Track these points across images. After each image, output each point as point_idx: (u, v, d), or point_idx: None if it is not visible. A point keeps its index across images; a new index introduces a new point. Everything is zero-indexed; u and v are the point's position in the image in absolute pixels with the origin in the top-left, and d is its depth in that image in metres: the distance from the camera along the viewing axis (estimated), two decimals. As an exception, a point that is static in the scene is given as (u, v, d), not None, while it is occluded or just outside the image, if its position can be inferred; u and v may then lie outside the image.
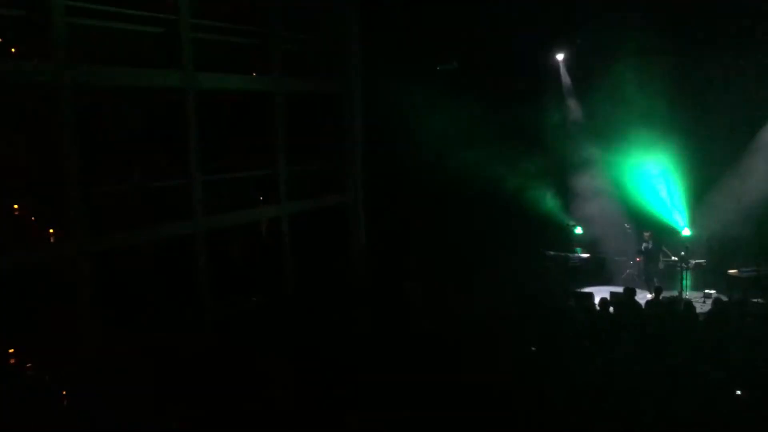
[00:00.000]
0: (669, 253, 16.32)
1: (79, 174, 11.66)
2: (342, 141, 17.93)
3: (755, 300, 13.40)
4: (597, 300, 13.11)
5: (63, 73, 11.36)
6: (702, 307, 13.81)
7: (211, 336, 13.05)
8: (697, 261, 15.90)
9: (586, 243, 18.16)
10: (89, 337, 11.71)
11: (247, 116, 15.67)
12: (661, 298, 13.23)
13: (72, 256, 11.60)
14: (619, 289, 13.62)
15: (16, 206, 11.18)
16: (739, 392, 8.50)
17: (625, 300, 12.40)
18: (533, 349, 10.33)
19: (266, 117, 15.67)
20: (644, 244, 16.53)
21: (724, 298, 14.52)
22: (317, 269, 16.38)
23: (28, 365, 10.84)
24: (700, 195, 16.79)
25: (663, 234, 16.80)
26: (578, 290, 15.47)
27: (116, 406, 9.08)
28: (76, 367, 10.95)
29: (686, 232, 16.68)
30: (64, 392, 10.18)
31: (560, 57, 18.29)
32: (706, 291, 15.70)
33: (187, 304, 13.63)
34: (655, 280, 16.14)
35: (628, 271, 17.35)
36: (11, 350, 10.87)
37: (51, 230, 11.60)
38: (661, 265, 16.47)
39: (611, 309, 12.20)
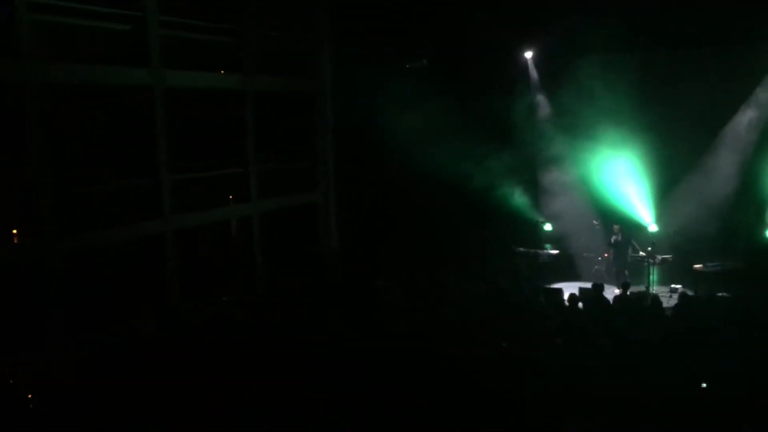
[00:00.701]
0: (638, 246, 16.60)
1: (47, 173, 11.48)
2: (313, 139, 17.89)
3: (720, 294, 13.67)
4: (566, 296, 13.31)
5: (29, 71, 11.16)
6: (668, 301, 14.07)
7: (180, 336, 12.93)
8: (663, 256, 16.19)
9: (555, 239, 18.38)
10: (57, 338, 11.56)
11: (218, 114, 15.55)
12: (628, 293, 13.46)
13: (40, 257, 11.43)
14: (588, 285, 13.83)
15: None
16: (704, 384, 8.67)
17: (594, 295, 12.59)
18: (504, 345, 10.43)
19: (237, 115, 15.57)
20: (613, 237, 16.84)
21: (690, 293, 14.82)
22: (289, 268, 16.33)
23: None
24: (666, 191, 17.09)
25: (630, 230, 17.10)
26: (548, 286, 15.66)
27: (81, 410, 8.96)
28: (43, 369, 10.78)
29: (653, 228, 16.96)
30: (30, 396, 10.00)
31: (529, 55, 18.44)
32: (673, 286, 16.02)
33: (156, 304, 13.50)
34: (626, 272, 16.43)
35: (596, 267, 17.61)
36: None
37: (15, 231, 11.41)
38: (628, 260, 16.77)
39: (580, 304, 12.38)
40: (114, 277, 13.08)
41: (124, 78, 13.00)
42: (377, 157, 18.16)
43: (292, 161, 17.41)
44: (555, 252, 18.09)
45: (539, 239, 18.44)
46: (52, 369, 10.97)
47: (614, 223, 16.99)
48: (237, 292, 15.30)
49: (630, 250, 16.76)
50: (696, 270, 15.81)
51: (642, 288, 15.75)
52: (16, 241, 11.39)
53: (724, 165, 16.51)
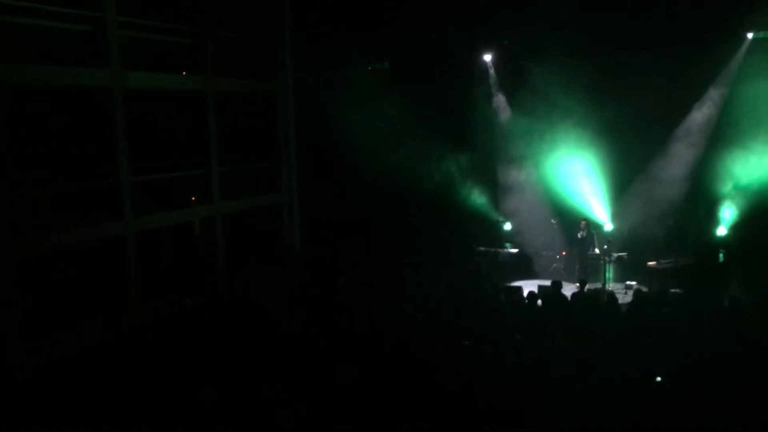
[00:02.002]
0: (596, 243, 17.04)
1: (2, 176, 11.28)
2: (276, 140, 17.88)
3: (673, 290, 14.09)
4: (525, 293, 13.59)
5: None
6: (624, 297, 14.46)
7: (141, 339, 12.83)
8: (618, 254, 16.62)
9: (515, 238, 18.70)
10: (12, 344, 11.36)
11: (180, 116, 15.46)
12: (585, 290, 13.80)
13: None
14: (547, 283, 14.12)
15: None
16: (658, 378, 8.96)
17: (552, 293, 12.86)
18: (466, 343, 10.59)
19: (199, 117, 15.50)
20: (580, 233, 17.22)
21: (644, 289, 15.24)
22: (252, 269, 16.29)
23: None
24: (621, 190, 17.55)
25: (596, 229, 17.53)
26: (508, 285, 15.95)
27: (37, 417, 8.86)
28: None
29: (608, 226, 17.41)
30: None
31: (488, 57, 18.72)
32: (628, 282, 16.44)
33: (116, 308, 13.37)
34: (586, 268, 16.82)
35: (555, 265, 17.98)
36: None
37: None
38: (590, 254, 17.18)
39: (539, 302, 12.65)
40: (72, 280, 12.90)
41: (82, 79, 12.81)
42: (339, 158, 18.25)
43: (254, 162, 17.37)
44: (514, 251, 18.41)
45: (499, 238, 18.76)
46: (6, 375, 10.79)
47: (581, 220, 17.39)
48: (199, 294, 15.22)
49: (594, 245, 17.21)
50: (649, 267, 16.27)
51: (598, 285, 16.14)
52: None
53: (675, 165, 17.04)
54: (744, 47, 16.06)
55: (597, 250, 16.87)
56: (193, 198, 15.53)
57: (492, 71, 18.93)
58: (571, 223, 17.70)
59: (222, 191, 15.94)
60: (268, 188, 17.64)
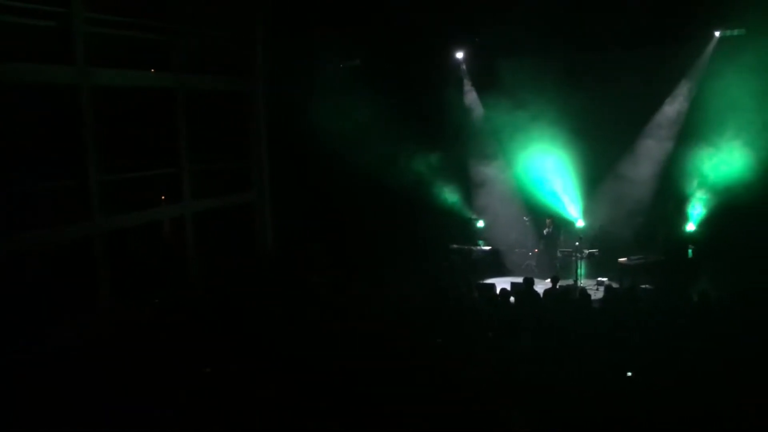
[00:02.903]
0: (563, 241, 17.17)
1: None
2: (248, 138, 17.73)
3: (644, 286, 14.24)
4: (498, 290, 13.63)
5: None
6: (596, 294, 14.57)
7: (110, 339, 12.64)
8: (590, 251, 16.76)
9: (487, 236, 18.77)
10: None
11: (150, 114, 15.25)
12: (557, 286, 13.88)
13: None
14: (519, 280, 14.17)
15: None
16: (629, 374, 9.04)
17: (525, 290, 12.91)
18: (439, 341, 10.60)
19: (169, 114, 15.30)
20: (546, 230, 17.37)
21: (615, 285, 15.38)
22: (224, 268, 16.15)
23: None
24: (592, 188, 17.70)
25: (561, 224, 17.68)
26: (481, 282, 16.00)
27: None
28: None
29: (580, 223, 17.55)
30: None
31: (460, 55, 18.75)
32: (599, 279, 16.58)
33: (84, 309, 13.14)
34: (557, 264, 16.95)
35: (527, 262, 18.09)
36: None
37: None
38: (558, 253, 17.31)
39: (512, 299, 12.69)
40: (39, 281, 12.66)
41: (48, 76, 12.57)
42: (312, 156, 18.16)
43: (226, 161, 17.21)
44: (487, 248, 18.48)
45: (472, 236, 18.82)
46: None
47: (546, 217, 17.53)
48: (170, 294, 15.04)
49: (561, 241, 17.34)
50: (621, 263, 16.42)
51: (570, 281, 16.27)
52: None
53: (645, 163, 17.23)
54: (711, 45, 16.28)
55: (560, 249, 17.06)
56: (163, 197, 15.34)
57: (464, 69, 18.96)
58: (543, 221, 17.83)
59: (193, 190, 15.77)
60: (240, 186, 17.50)
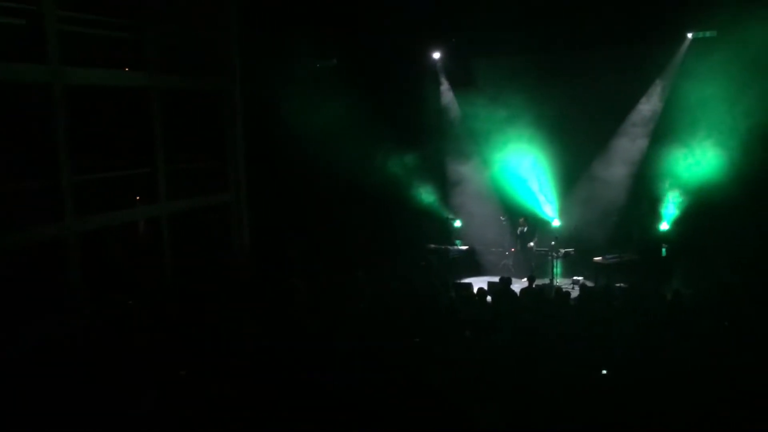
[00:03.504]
0: (537, 240, 17.31)
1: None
2: (223, 138, 17.61)
3: (619, 285, 14.39)
4: (475, 290, 13.69)
5: None
6: (571, 293, 14.68)
7: (83, 342, 12.48)
8: (566, 250, 16.91)
9: (464, 235, 18.84)
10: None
11: (124, 113, 15.09)
12: (534, 285, 13.98)
13: None
14: (496, 279, 14.25)
15: None
16: (604, 371, 9.13)
17: (502, 289, 12.99)
18: (417, 340, 10.62)
19: (143, 114, 15.14)
20: (519, 229, 17.51)
21: (589, 284, 15.53)
22: (200, 270, 16.02)
23: None
24: (568, 188, 17.86)
25: (535, 223, 17.81)
26: (458, 281, 16.06)
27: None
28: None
29: (556, 223, 17.70)
30: None
31: (437, 55, 18.80)
32: (575, 278, 16.74)
33: (57, 310, 12.96)
34: (532, 265, 17.07)
35: (504, 261, 18.18)
36: None
37: None
38: (530, 245, 17.45)
39: (489, 298, 12.76)
40: (11, 283, 12.46)
41: (20, 75, 12.37)
42: (289, 156, 18.09)
43: (202, 161, 17.07)
44: (464, 248, 18.55)
45: (449, 235, 18.88)
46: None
47: (520, 216, 17.66)
48: (144, 295, 14.88)
49: (536, 240, 17.47)
50: (596, 262, 16.59)
51: (546, 281, 16.39)
52: None
53: (620, 163, 17.42)
54: (684, 46, 16.51)
55: (532, 244, 17.21)
56: (138, 197, 15.18)
57: (441, 68, 19.01)
58: (519, 221, 17.96)
59: (168, 190, 15.62)
60: (216, 187, 17.37)
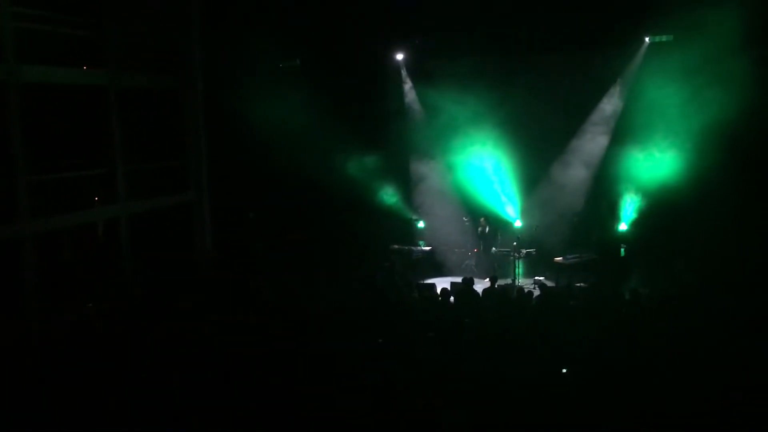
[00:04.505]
0: (499, 240, 17.48)
1: None
2: (185, 138, 17.39)
3: (579, 284, 14.60)
4: (438, 290, 13.75)
5: None
6: (534, 292, 14.84)
7: (39, 346, 12.23)
8: (527, 250, 17.09)
9: (427, 236, 18.92)
10: None
11: (82, 112, 14.80)
12: (496, 286, 14.10)
13: None
14: (459, 280, 14.33)
15: None
16: (564, 370, 9.25)
17: (464, 289, 13.07)
18: (380, 341, 10.63)
19: (102, 113, 14.88)
20: (480, 228, 17.66)
21: (550, 284, 15.72)
22: (161, 271, 15.80)
23: None
24: (530, 188, 18.06)
25: (497, 223, 17.97)
26: (421, 282, 16.11)
27: None
28: None
29: (518, 223, 17.89)
30: None
31: (400, 56, 18.85)
32: (536, 278, 16.92)
33: (11, 315, 12.66)
34: (494, 265, 17.22)
35: (467, 262, 18.31)
36: None
37: None
38: (493, 250, 17.61)
39: (452, 298, 12.83)
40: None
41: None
42: (252, 157, 17.95)
43: (163, 161, 16.84)
44: (428, 248, 18.63)
45: (413, 236, 18.94)
46: None
47: (481, 217, 17.82)
48: (104, 298, 14.63)
49: (497, 240, 17.63)
50: (557, 262, 16.81)
51: (508, 281, 16.55)
52: None
53: (580, 165, 17.69)
54: (642, 50, 16.84)
55: (495, 249, 17.37)
56: (96, 198, 14.91)
57: (404, 70, 19.06)
58: (480, 218, 18.13)
59: (128, 191, 15.38)
60: (177, 187, 17.15)
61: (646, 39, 16.71)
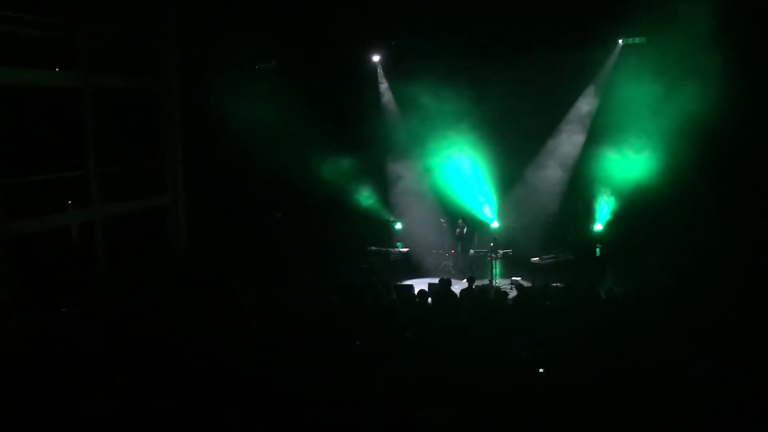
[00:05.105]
0: (475, 241, 17.57)
1: None
2: (160, 140, 17.24)
3: (555, 284, 14.71)
4: (416, 292, 13.78)
5: None
6: (510, 293, 14.94)
7: (14, 350, 12.03)
8: (504, 251, 17.19)
9: (405, 238, 18.95)
10: None
11: (55, 114, 14.61)
12: (473, 286, 14.16)
13: None
14: (437, 281, 14.37)
15: None
16: (541, 369, 9.31)
17: (442, 290, 13.10)
18: (358, 343, 10.61)
19: (75, 115, 14.70)
20: (458, 230, 17.74)
21: (527, 284, 15.82)
22: (137, 275, 15.64)
23: None
24: (507, 189, 18.18)
25: (476, 226, 18.06)
26: (399, 283, 16.13)
27: None
28: None
29: (495, 224, 17.99)
30: None
31: (377, 58, 18.86)
32: (513, 278, 17.03)
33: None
34: (472, 266, 17.30)
35: (444, 263, 18.37)
36: None
37: None
38: (471, 252, 17.68)
39: (429, 300, 12.85)
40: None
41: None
42: (228, 159, 17.85)
43: (138, 163, 16.67)
44: (405, 250, 18.66)
45: (390, 238, 18.95)
46: None
47: (459, 218, 17.89)
48: (79, 302, 14.44)
49: (475, 241, 17.72)
50: (533, 263, 16.93)
51: (486, 281, 16.63)
52: None
53: (555, 166, 17.84)
54: (616, 52, 17.04)
55: (473, 251, 17.46)
56: (70, 201, 14.72)
57: (381, 71, 19.09)
58: (458, 219, 18.19)
59: (102, 193, 15.21)
60: (153, 189, 16.99)
61: (620, 41, 16.90)
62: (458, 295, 13.27)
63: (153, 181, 17.09)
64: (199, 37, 16.89)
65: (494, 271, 17.01)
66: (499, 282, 16.90)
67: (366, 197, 18.63)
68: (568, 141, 17.85)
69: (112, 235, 15.52)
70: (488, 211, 18.19)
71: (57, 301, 14.16)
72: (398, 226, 18.97)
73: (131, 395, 8.99)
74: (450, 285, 13.37)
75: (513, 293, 14.39)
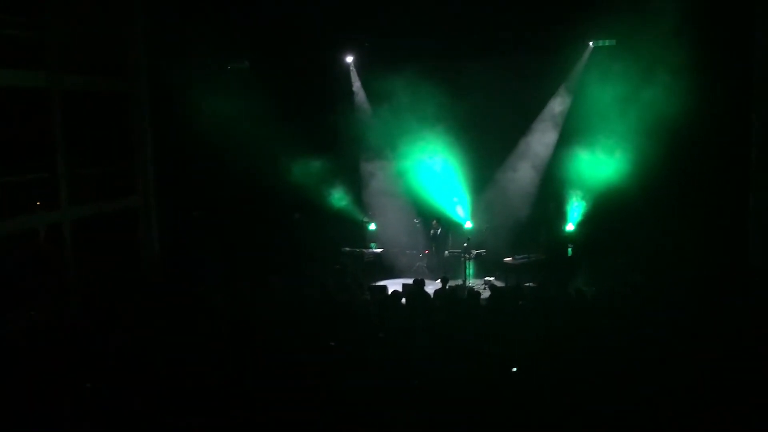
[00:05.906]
0: (450, 241, 17.63)
1: None
2: (130, 141, 17.03)
3: (527, 284, 14.82)
4: (390, 292, 13.78)
5: None
6: (483, 293, 15.02)
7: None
8: (477, 251, 17.28)
9: (379, 238, 18.95)
10: None
11: (22, 115, 14.36)
12: (447, 287, 14.20)
13: None
14: (410, 281, 14.39)
15: None
16: (514, 369, 9.36)
17: (416, 290, 13.12)
18: (332, 344, 10.58)
19: (43, 116, 14.46)
20: (432, 231, 17.79)
21: (500, 284, 15.92)
22: (107, 278, 15.43)
23: None
24: (479, 190, 18.27)
25: (450, 227, 18.13)
26: (373, 284, 16.12)
27: None
28: None
29: (468, 225, 18.07)
30: None
31: (350, 58, 18.84)
32: (486, 278, 17.12)
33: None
34: (445, 267, 17.35)
35: (418, 263, 18.41)
36: None
37: None
38: (446, 253, 17.74)
39: (403, 300, 12.87)
40: None
41: None
42: (200, 160, 17.70)
43: (107, 164, 16.46)
44: (379, 250, 18.66)
45: (364, 238, 18.94)
46: None
47: (433, 219, 17.92)
48: (47, 305, 14.20)
49: (449, 242, 17.78)
50: (506, 263, 17.04)
51: (459, 281, 16.69)
52: None
53: (527, 167, 17.97)
54: (587, 54, 17.22)
55: (447, 253, 17.53)
56: (38, 203, 14.48)
57: (354, 72, 19.07)
58: (432, 220, 18.24)
59: (71, 195, 14.98)
60: (123, 191, 16.78)
61: (590, 43, 17.08)
62: (432, 295, 13.30)
63: (123, 182, 16.88)
64: (169, 36, 16.71)
65: (468, 271, 17.08)
66: (473, 282, 16.99)
67: (339, 198, 18.59)
68: (540, 141, 17.98)
69: (81, 237, 15.30)
70: (461, 212, 18.26)
71: (23, 304, 13.90)
72: (372, 226, 18.96)
73: (99, 400, 8.87)
74: (424, 285, 13.40)
75: (486, 293, 14.46)
